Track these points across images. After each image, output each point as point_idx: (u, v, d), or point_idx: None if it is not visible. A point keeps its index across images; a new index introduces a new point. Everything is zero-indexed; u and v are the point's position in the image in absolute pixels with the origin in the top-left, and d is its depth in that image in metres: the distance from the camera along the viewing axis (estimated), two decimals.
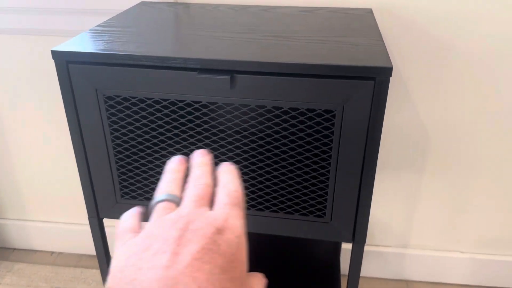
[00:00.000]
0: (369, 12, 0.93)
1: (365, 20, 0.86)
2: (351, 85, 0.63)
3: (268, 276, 0.36)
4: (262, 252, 1.12)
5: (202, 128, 0.71)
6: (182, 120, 0.71)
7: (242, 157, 0.72)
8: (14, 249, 1.52)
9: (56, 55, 0.68)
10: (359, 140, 0.67)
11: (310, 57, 0.65)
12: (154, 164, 0.76)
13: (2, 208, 1.46)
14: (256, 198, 0.76)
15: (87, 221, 1.43)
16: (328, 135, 0.68)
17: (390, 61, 0.63)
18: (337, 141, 0.68)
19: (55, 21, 1.12)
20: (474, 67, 1.07)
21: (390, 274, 1.39)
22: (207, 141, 0.72)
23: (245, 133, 0.70)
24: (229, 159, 0.73)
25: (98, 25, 0.81)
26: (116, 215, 0.82)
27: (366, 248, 1.36)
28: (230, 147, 0.72)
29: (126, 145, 0.74)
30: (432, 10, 1.02)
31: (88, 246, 1.47)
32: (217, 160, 0.74)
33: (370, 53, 0.67)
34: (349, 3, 1.02)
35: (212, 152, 0.73)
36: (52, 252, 1.51)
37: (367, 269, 1.38)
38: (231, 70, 0.64)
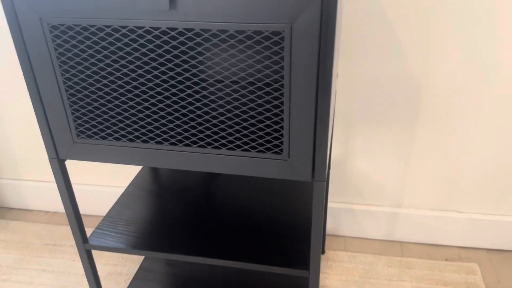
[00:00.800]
0: None
1: None
2: (298, 2, 0.58)
3: None
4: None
5: (149, 57, 0.67)
6: (128, 49, 0.67)
7: (193, 89, 0.69)
8: (11, 208, 1.54)
9: None
10: (311, 65, 0.63)
11: None
12: (106, 99, 0.73)
13: None
14: (211, 135, 0.73)
15: (80, 182, 1.43)
16: (278, 61, 0.64)
17: None
18: (288, 67, 0.63)
19: None
20: (474, 19, 1.00)
21: (383, 235, 1.34)
22: (156, 72, 0.69)
23: (193, 62, 0.67)
24: (179, 92, 0.69)
25: None
26: (75, 156, 0.80)
27: (356, 207, 1.31)
28: (180, 78, 0.68)
29: (76, 79, 0.72)
30: None
31: (81, 206, 1.48)
32: (168, 94, 0.70)
33: None
34: None
35: (163, 85, 0.70)
36: (47, 212, 1.52)
37: (359, 229, 1.34)
38: None
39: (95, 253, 1.33)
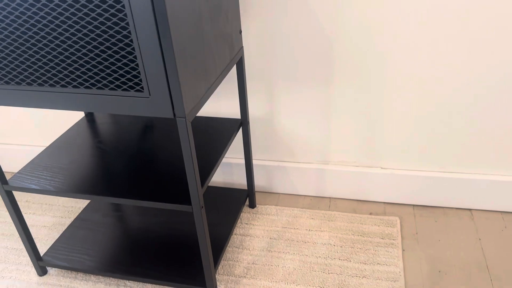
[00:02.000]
0: None
1: None
2: None
3: None
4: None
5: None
6: None
7: (50, 27, 0.76)
8: None
9: None
10: (148, 8, 0.69)
11: None
12: None
13: None
14: (74, 75, 0.80)
15: (16, 142, 1.53)
16: (121, 9, 0.71)
17: None
18: (130, 16, 0.70)
19: None
20: None
21: (314, 191, 1.39)
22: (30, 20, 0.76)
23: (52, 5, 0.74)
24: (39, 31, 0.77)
25: None
26: None
27: (286, 165, 1.36)
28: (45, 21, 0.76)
29: None
30: None
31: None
32: (38, 37, 0.78)
33: None
34: None
35: (29, 33, 0.77)
36: None
37: (291, 186, 1.40)
38: None
39: (45, 207, 1.44)
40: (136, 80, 0.78)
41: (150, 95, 0.79)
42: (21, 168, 1.08)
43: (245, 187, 1.44)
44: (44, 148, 1.54)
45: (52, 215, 1.40)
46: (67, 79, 0.82)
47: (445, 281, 1.08)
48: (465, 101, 1.15)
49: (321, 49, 1.16)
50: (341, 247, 1.19)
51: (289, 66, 1.20)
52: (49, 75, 0.82)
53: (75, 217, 1.38)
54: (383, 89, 1.18)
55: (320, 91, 1.22)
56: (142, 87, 0.79)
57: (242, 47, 1.11)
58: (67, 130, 1.23)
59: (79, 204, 1.44)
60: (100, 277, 1.16)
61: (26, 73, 0.83)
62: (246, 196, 1.33)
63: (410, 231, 1.24)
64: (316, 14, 1.11)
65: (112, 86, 0.80)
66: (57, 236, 1.31)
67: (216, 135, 1.14)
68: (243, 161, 1.39)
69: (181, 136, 0.82)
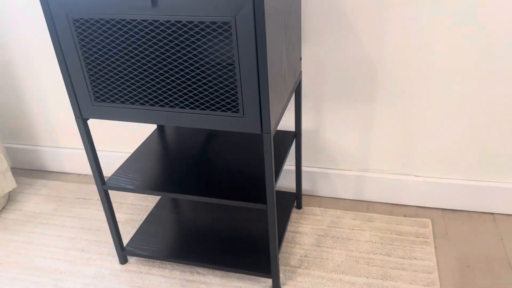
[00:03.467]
0: None
1: None
2: (237, 2, 0.84)
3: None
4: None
5: (141, 41, 0.95)
6: (127, 35, 0.95)
7: (178, 61, 0.96)
8: (51, 171, 1.87)
9: None
10: (251, 46, 0.89)
11: None
12: (119, 75, 1.02)
13: (40, 138, 1.81)
14: (188, 98, 1.00)
15: (107, 149, 1.74)
16: (228, 43, 0.90)
17: None
18: (236, 48, 0.90)
19: None
20: (418, 7, 1.22)
21: (353, 195, 1.58)
22: (151, 55, 0.96)
23: (176, 49, 0.94)
24: (163, 66, 0.97)
25: None
26: (94, 115, 1.09)
27: (330, 171, 1.55)
28: (166, 61, 0.96)
29: (92, 58, 1.01)
30: None
31: (107, 169, 1.79)
32: (154, 65, 0.98)
33: None
34: None
35: (152, 62, 0.97)
36: (79, 174, 1.84)
37: (332, 190, 1.58)
38: None
39: (116, 205, 1.63)
40: (233, 104, 0.98)
41: (243, 115, 0.98)
42: (115, 171, 1.28)
43: (292, 190, 1.63)
44: (130, 154, 1.74)
45: (123, 212, 1.60)
46: (176, 101, 1.01)
47: (472, 274, 1.26)
48: (490, 119, 1.34)
49: (365, 73, 1.35)
50: (381, 244, 1.38)
51: (336, 87, 1.39)
52: (160, 97, 1.01)
53: (143, 213, 1.58)
54: (418, 107, 1.37)
55: (362, 108, 1.41)
56: (238, 109, 0.98)
57: (301, 71, 1.30)
58: (146, 139, 1.43)
59: (145, 203, 1.63)
60: (175, 264, 1.35)
61: (144, 94, 1.03)
62: (295, 198, 1.52)
63: (441, 232, 1.42)
64: (362, 42, 1.30)
65: (213, 108, 0.99)
66: (131, 230, 1.51)
67: (278, 145, 1.33)
68: (290, 167, 1.58)
69: (265, 148, 1.02)
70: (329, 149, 1.52)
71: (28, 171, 1.89)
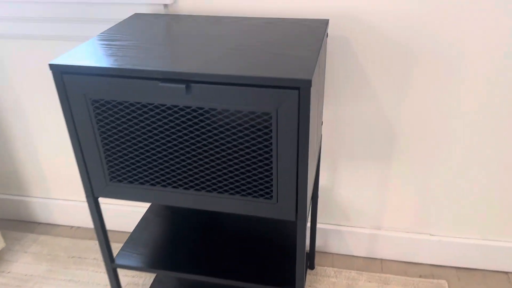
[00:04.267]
0: (325, 23, 1.06)
1: (316, 31, 1.00)
2: (280, 93, 0.78)
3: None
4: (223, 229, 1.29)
5: (162, 128, 0.87)
6: (150, 122, 0.87)
7: (215, 150, 0.89)
8: (39, 223, 1.75)
9: (52, 67, 0.86)
10: (293, 137, 0.82)
11: (247, 69, 0.80)
12: (140, 157, 0.93)
13: (29, 188, 1.68)
14: (218, 182, 0.92)
15: (101, 200, 1.64)
16: (267, 133, 0.83)
17: (312, 73, 0.77)
18: (275, 140, 0.83)
19: (58, 28, 1.30)
20: (439, 66, 1.19)
21: (366, 252, 1.53)
22: (175, 136, 0.88)
23: (209, 134, 0.86)
24: (199, 155, 0.89)
25: (96, 37, 0.98)
26: (107, 195, 1.00)
27: (343, 228, 1.50)
28: (189, 144, 0.88)
29: (111, 138, 0.92)
30: (392, 12, 1.14)
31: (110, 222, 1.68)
32: (180, 149, 0.90)
33: (299, 66, 0.81)
34: (309, 14, 1.15)
35: (179, 145, 0.89)
36: (72, 226, 1.73)
37: (345, 247, 1.53)
38: (186, 80, 0.80)
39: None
40: (267, 190, 0.91)
41: (277, 201, 0.91)
42: (124, 245, 1.18)
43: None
44: (138, 221, 1.64)
45: (124, 274, 1.49)
46: (203, 184, 0.94)
47: None
48: (505, 180, 1.32)
49: (384, 132, 1.31)
50: None
51: (353, 145, 1.35)
52: (186, 180, 0.93)
53: (146, 276, 1.48)
54: (434, 167, 1.34)
55: (378, 167, 1.37)
56: (271, 196, 0.91)
57: (321, 135, 1.25)
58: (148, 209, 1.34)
59: None
60: None
61: (167, 177, 0.95)
62: (308, 258, 1.46)
63: None
64: (381, 101, 1.26)
65: (243, 193, 0.92)
66: None
67: None
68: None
69: (298, 235, 0.95)
70: (342, 206, 1.47)
71: (15, 222, 1.76)
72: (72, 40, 1.32)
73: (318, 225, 1.52)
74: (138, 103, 0.86)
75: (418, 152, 1.32)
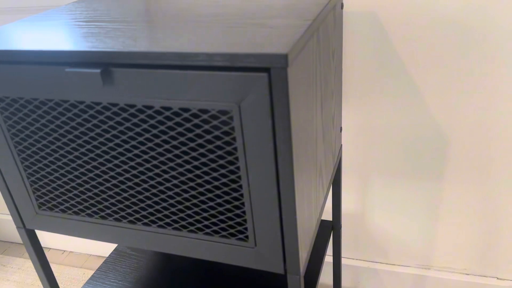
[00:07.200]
0: None
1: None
2: (242, 79, 0.49)
3: None
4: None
5: (95, 132, 0.60)
6: (73, 123, 0.61)
7: (144, 167, 0.61)
8: None
9: None
10: (266, 147, 0.52)
11: (196, 45, 0.51)
12: (60, 173, 0.67)
13: None
14: (169, 216, 0.64)
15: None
16: (229, 142, 0.54)
17: (290, 46, 0.47)
18: (242, 148, 0.54)
19: None
20: (496, 63, 0.85)
21: None
22: (104, 148, 0.61)
23: (140, 138, 0.59)
24: (131, 169, 0.62)
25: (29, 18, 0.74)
26: (39, 226, 0.75)
27: (378, 266, 1.16)
28: (129, 155, 0.61)
29: (28, 152, 0.67)
30: (442, 8, 0.82)
31: (95, 247, 1.45)
32: (120, 170, 0.63)
33: (275, 38, 0.51)
34: None
35: (113, 161, 0.62)
36: (63, 251, 1.51)
37: None
38: (102, 63, 0.53)
39: None
40: (239, 228, 0.61)
41: (255, 245, 0.61)
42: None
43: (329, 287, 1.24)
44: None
45: None
46: (152, 217, 0.66)
47: None
48: None
49: (431, 144, 0.97)
50: None
51: (387, 159, 1.02)
52: (129, 210, 0.66)
53: None
54: (502, 189, 0.98)
55: (425, 188, 1.03)
56: (246, 235, 0.62)
57: (341, 145, 0.93)
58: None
59: None
60: None
61: (105, 205, 0.68)
62: None
63: None
64: (426, 102, 0.93)
65: (208, 230, 0.63)
66: None
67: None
68: (326, 258, 1.20)
69: None
70: (377, 238, 1.14)
71: (7, 244, 1.57)
72: None
73: (346, 261, 1.19)
74: (50, 100, 0.60)
75: (479, 169, 0.97)
